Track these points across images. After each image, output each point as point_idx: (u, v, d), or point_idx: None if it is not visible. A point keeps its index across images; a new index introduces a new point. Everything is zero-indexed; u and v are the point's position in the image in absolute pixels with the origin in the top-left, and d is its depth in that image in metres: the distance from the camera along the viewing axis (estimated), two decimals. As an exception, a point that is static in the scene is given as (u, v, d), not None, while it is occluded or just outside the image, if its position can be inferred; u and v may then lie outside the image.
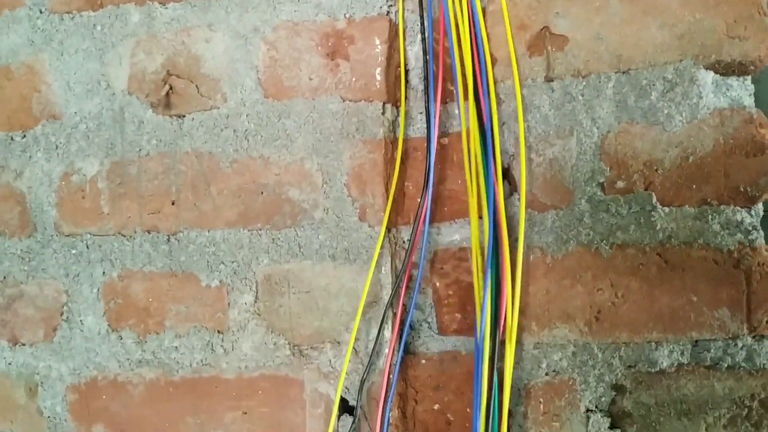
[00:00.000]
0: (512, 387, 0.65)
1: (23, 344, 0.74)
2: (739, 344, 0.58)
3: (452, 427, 0.67)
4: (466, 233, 0.67)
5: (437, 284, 0.67)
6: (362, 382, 0.64)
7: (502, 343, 0.60)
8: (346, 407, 0.67)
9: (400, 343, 0.66)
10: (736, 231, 0.58)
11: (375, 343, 0.65)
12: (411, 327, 0.67)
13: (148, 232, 0.70)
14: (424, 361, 0.68)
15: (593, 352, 0.61)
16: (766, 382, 0.58)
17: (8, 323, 0.73)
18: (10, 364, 0.74)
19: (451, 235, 0.67)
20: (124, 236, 0.70)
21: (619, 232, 0.60)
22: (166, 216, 0.69)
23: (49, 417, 0.73)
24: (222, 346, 0.68)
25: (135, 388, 0.71)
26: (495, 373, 0.59)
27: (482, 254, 0.62)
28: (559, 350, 0.62)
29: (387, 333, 0.65)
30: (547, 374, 0.62)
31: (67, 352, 0.72)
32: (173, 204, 0.69)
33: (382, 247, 0.65)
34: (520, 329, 0.61)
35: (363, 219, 0.65)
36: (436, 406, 0.68)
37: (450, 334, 0.68)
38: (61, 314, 0.72)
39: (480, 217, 0.62)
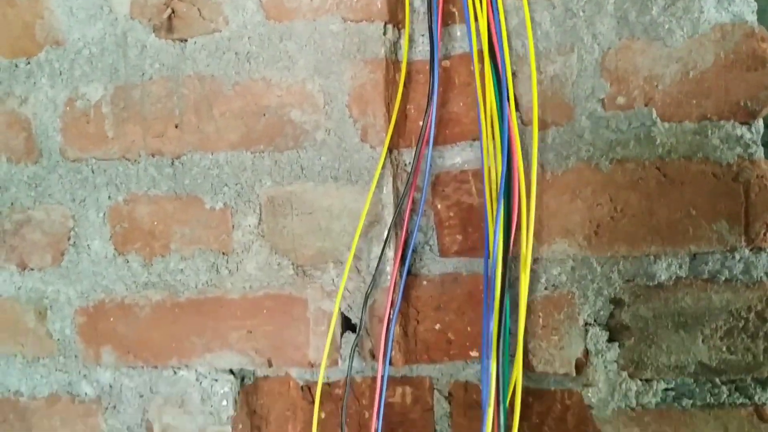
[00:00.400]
0: (512, 302, 0.66)
1: (32, 269, 0.75)
2: (737, 257, 0.59)
3: (453, 346, 0.69)
4: (467, 156, 0.67)
5: (439, 207, 0.68)
6: (365, 299, 0.66)
7: (514, 259, 0.61)
8: (349, 325, 0.69)
9: (403, 264, 0.67)
10: (736, 145, 0.59)
11: (378, 262, 0.66)
12: (413, 250, 0.68)
13: (152, 156, 0.70)
14: (425, 283, 0.69)
15: (592, 266, 0.62)
16: (763, 294, 0.59)
17: (16, 248, 0.75)
18: (19, 288, 0.76)
19: (452, 158, 0.68)
20: (129, 160, 0.71)
21: (619, 148, 0.61)
22: (170, 139, 0.70)
23: (58, 339, 0.75)
24: (227, 267, 0.70)
25: (141, 309, 0.72)
26: (507, 290, 0.60)
27: (489, 175, 0.62)
28: (558, 265, 0.63)
29: (389, 252, 0.66)
30: (546, 289, 0.63)
31: (74, 276, 0.74)
32: (176, 127, 0.70)
33: (383, 167, 0.65)
34: (520, 245, 0.62)
35: (365, 140, 0.66)
36: (437, 326, 0.69)
37: (451, 256, 0.69)
38: (68, 239, 0.74)
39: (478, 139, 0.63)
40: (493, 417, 0.59)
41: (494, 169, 0.62)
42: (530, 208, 0.59)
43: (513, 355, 0.61)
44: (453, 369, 0.72)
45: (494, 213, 0.61)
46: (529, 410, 0.69)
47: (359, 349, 0.68)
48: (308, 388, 0.76)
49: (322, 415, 0.75)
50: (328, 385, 0.75)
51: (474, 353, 0.69)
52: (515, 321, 0.63)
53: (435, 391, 0.73)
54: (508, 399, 0.60)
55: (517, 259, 0.61)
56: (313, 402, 0.73)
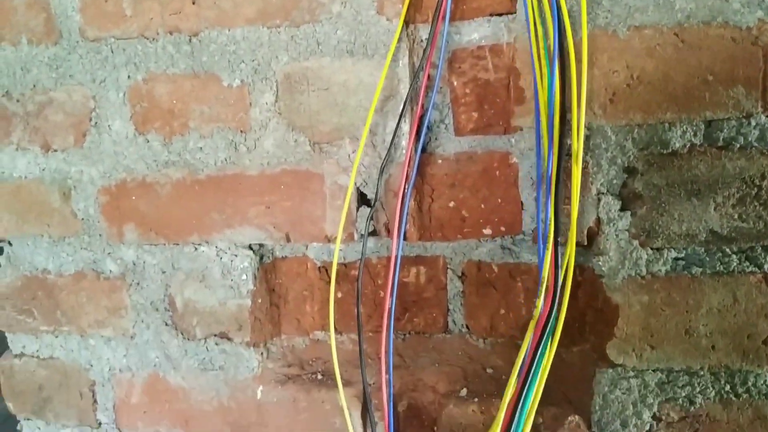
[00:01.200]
0: (527, 174, 0.67)
1: (55, 150, 0.77)
2: (753, 123, 0.60)
3: (466, 224, 0.71)
4: (484, 32, 0.68)
5: (455, 83, 0.69)
6: (380, 172, 0.67)
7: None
8: (364, 200, 0.70)
9: (418, 139, 0.68)
10: (757, 8, 0.58)
11: (393, 136, 0.67)
12: (428, 128, 0.69)
13: (170, 34, 0.71)
14: (440, 161, 0.70)
15: (607, 135, 0.62)
16: (777, 161, 0.59)
17: (40, 130, 0.77)
18: (43, 170, 0.78)
19: (469, 34, 0.68)
20: (147, 39, 0.72)
21: (638, 14, 0.61)
22: (187, 16, 0.71)
23: (82, 219, 0.78)
24: (245, 144, 0.71)
25: (162, 188, 0.74)
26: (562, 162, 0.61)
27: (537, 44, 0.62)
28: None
29: (405, 126, 0.67)
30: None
31: (96, 156, 0.76)
32: (193, 3, 0.70)
33: (399, 40, 0.66)
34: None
35: (381, 12, 0.66)
36: (451, 204, 0.71)
37: (467, 134, 0.70)
38: (90, 119, 0.75)
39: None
40: (544, 297, 0.61)
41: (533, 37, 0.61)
42: (582, 72, 0.59)
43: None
44: (466, 248, 0.74)
45: (544, 79, 0.61)
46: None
47: (374, 223, 0.70)
48: (325, 269, 0.78)
49: (339, 295, 0.78)
50: (344, 266, 0.77)
51: (487, 231, 0.71)
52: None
53: (448, 270, 0.76)
54: (561, 276, 0.61)
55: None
56: (329, 282, 0.75)
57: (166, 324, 0.77)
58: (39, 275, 0.80)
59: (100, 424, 0.82)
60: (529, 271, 0.73)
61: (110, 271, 0.78)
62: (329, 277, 0.77)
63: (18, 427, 0.86)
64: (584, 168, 0.63)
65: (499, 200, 0.70)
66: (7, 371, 0.84)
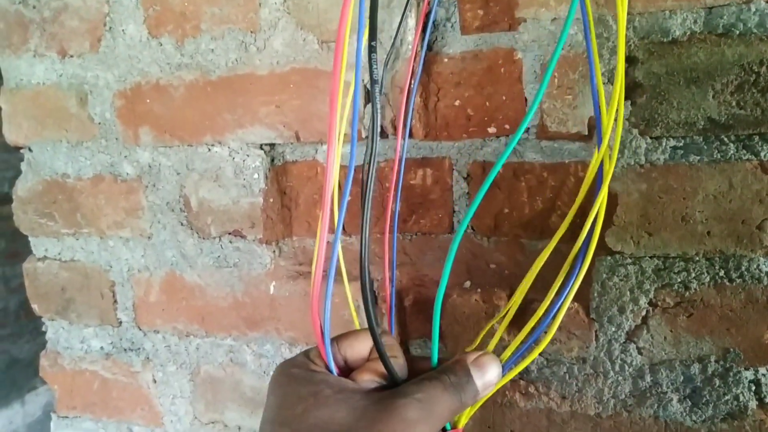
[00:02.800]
0: (531, 68, 0.70)
1: (71, 56, 0.81)
2: (753, 9, 0.61)
3: (471, 122, 0.73)
4: (490, -71, 0.69)
5: (460, -19, 0.71)
6: (385, 65, 0.70)
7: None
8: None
9: (424, 36, 0.70)
10: None
11: (398, 30, 0.69)
12: (434, 25, 0.72)
13: (181, -65, 0.74)
14: (446, 60, 0.73)
15: (608, 24, 0.64)
16: (776, 47, 0.61)
17: (56, 36, 0.80)
18: (60, 75, 0.81)
19: (475, -69, 0.69)
20: (159, -59, 0.75)
21: None
22: None
23: (99, 123, 0.81)
24: (255, 45, 0.74)
25: (176, 90, 0.78)
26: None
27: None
28: (573, 24, 0.65)
29: (411, 21, 0.70)
30: (562, 48, 0.66)
31: (111, 60, 0.79)
32: None
33: (405, -65, 0.68)
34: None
35: None
36: (456, 102, 0.73)
37: (472, 33, 0.72)
38: (104, 24, 0.78)
39: None
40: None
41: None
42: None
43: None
44: (471, 148, 0.77)
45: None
46: (543, 185, 0.74)
47: (381, 119, 0.73)
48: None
49: (348, 198, 0.81)
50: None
51: (492, 129, 0.73)
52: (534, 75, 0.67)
53: (454, 171, 0.78)
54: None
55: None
56: (339, 186, 0.79)
57: (182, 224, 0.81)
58: (59, 179, 0.85)
59: (120, 322, 0.86)
60: (532, 170, 0.76)
61: (127, 173, 0.82)
62: (339, 181, 0.80)
63: (43, 329, 0.91)
64: (585, 57, 0.65)
65: (504, 98, 0.72)
66: (31, 274, 0.89)
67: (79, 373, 0.89)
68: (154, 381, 0.86)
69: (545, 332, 0.59)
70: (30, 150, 0.86)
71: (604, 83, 0.65)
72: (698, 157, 0.64)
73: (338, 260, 0.69)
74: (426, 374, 0.49)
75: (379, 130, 0.64)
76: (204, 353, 0.83)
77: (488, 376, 0.49)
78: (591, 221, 0.58)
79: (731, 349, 0.65)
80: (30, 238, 0.89)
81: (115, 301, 0.86)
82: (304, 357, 0.49)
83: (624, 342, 0.68)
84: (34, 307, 0.90)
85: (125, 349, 0.87)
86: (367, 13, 0.45)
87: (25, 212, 0.87)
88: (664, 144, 0.65)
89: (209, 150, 0.78)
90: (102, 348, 0.88)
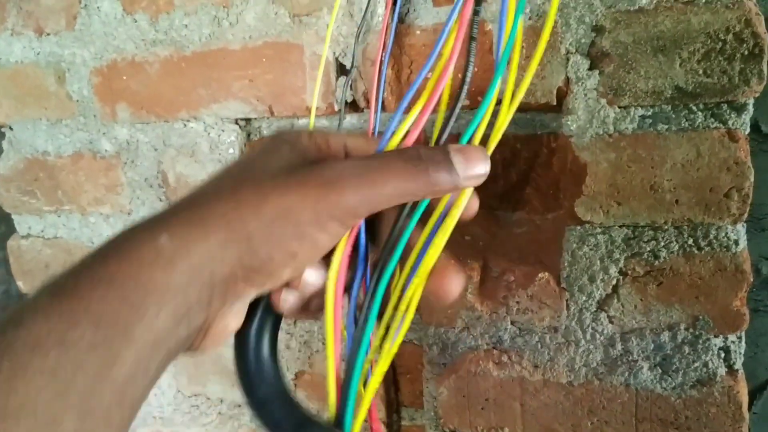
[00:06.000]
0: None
1: (48, 34, 0.82)
2: (718, -25, 0.62)
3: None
4: None
5: (431, -48, 0.71)
6: (356, 38, 0.71)
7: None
8: (344, 71, 0.75)
9: (395, 7, 0.71)
10: None
11: (368, 2, 0.70)
12: (406, -2, 0.73)
13: None
14: (418, 32, 0.74)
15: (575, -7, 0.65)
16: (742, 14, 0.62)
17: (33, 14, 0.81)
18: (38, 54, 0.83)
19: None
20: None
21: None
22: None
23: (77, 100, 0.83)
24: (227, 20, 0.75)
25: (151, 66, 0.79)
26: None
27: None
28: (542, -6, 0.66)
29: (380, -6, 0.71)
30: (530, 19, 0.67)
31: (87, 38, 0.80)
32: None
33: None
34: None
35: None
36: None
37: (444, 5, 0.73)
38: (80, 1, 0.80)
39: None
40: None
41: None
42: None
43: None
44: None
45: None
46: (517, 157, 0.75)
47: (353, 93, 0.74)
48: (311, 147, 0.83)
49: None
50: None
51: (465, 102, 0.74)
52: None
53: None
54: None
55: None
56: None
57: (161, 200, 0.83)
58: (39, 157, 0.86)
59: (103, 298, 0.89)
60: (506, 142, 0.77)
61: (106, 150, 0.83)
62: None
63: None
64: (552, 27, 0.66)
65: (476, 69, 0.73)
66: (15, 251, 0.91)
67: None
68: (138, 355, 0.88)
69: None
70: (11, 129, 0.88)
71: (572, 52, 0.66)
72: (666, 126, 0.65)
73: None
74: None
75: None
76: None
77: (473, 167, 0.39)
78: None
79: (700, 317, 0.66)
80: (13, 216, 0.91)
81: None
82: (306, 132, 0.42)
83: (595, 311, 0.70)
84: (20, 284, 0.92)
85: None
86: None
87: (7, 190, 0.89)
88: (632, 113, 0.66)
89: (185, 126, 0.80)
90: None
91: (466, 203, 0.43)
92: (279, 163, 0.38)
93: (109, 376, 0.29)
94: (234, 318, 0.39)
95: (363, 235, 0.43)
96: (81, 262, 0.33)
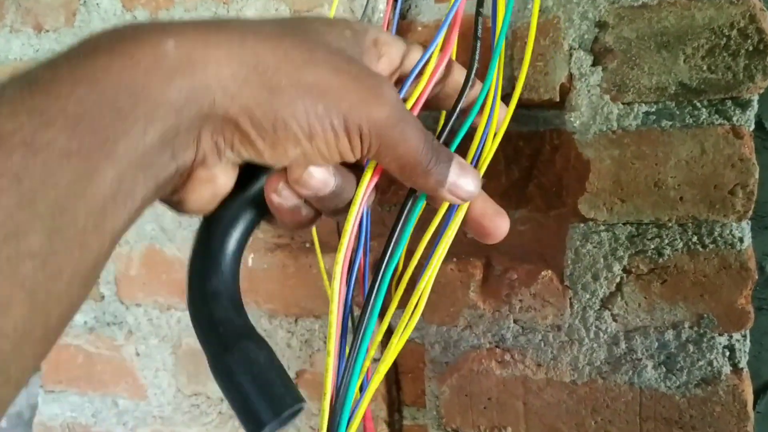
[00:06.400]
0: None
1: (47, 31, 0.81)
2: (723, -30, 0.61)
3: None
4: None
5: (433, -51, 0.71)
6: (358, 34, 0.70)
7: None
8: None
9: (396, 4, 0.71)
10: None
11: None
12: (408, -6, 0.72)
13: None
14: (420, 29, 0.73)
15: (578, -11, 0.64)
16: (746, 9, 0.61)
17: (31, 11, 0.81)
18: (37, 51, 0.83)
19: None
20: None
21: None
22: None
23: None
24: (227, 15, 0.75)
25: (151, 63, 0.78)
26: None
27: None
28: (545, -11, 0.66)
29: (382, -11, 0.70)
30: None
31: (87, 34, 0.80)
32: None
33: None
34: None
35: None
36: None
37: (445, 1, 0.72)
38: (79, -2, 0.79)
39: None
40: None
41: None
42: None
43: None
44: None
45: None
46: (519, 154, 0.75)
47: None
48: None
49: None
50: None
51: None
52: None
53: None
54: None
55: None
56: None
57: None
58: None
59: (103, 297, 0.88)
60: (508, 139, 0.76)
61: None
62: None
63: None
64: (556, 23, 0.66)
65: (478, 66, 0.72)
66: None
67: (63, 348, 0.91)
68: (137, 354, 0.88)
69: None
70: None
71: (575, 48, 0.66)
72: (670, 123, 0.65)
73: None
74: None
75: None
76: (185, 326, 0.85)
77: (464, 180, 0.38)
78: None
79: (705, 315, 0.66)
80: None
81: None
82: (374, 34, 0.39)
83: (598, 309, 0.69)
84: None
85: (108, 323, 0.89)
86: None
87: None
88: (636, 109, 0.66)
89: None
90: (85, 322, 0.90)
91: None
92: (339, 42, 0.34)
93: (85, 193, 0.25)
94: (221, 174, 0.33)
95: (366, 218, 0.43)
96: (63, 54, 0.28)
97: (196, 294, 0.35)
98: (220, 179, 0.33)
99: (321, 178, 0.34)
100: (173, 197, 0.33)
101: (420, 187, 0.38)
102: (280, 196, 0.35)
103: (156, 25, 0.29)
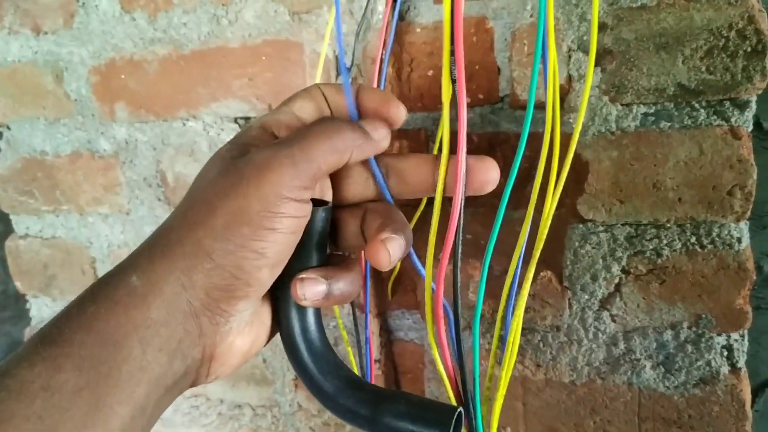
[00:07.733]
0: (502, 35, 0.70)
1: (45, 32, 0.81)
2: (721, -28, 0.61)
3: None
4: None
5: (431, -50, 0.71)
6: (356, 36, 0.71)
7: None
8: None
9: (395, 5, 0.71)
10: None
11: (368, 0, 0.70)
12: (406, -5, 0.72)
13: None
14: (419, 30, 0.73)
15: (577, -10, 0.65)
16: (745, 11, 0.61)
17: (30, 12, 0.81)
18: (36, 53, 0.83)
19: None
20: None
21: None
22: None
23: (75, 99, 0.82)
24: (226, 17, 0.75)
25: (150, 65, 0.79)
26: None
27: None
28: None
29: (380, -9, 0.70)
30: (531, 16, 0.67)
31: (86, 36, 0.80)
32: None
33: None
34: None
35: None
36: (430, 72, 0.74)
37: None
38: (77, 0, 0.79)
39: None
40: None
41: None
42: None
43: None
44: (447, 119, 0.78)
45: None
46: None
47: (354, 91, 0.74)
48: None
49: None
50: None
51: (466, 99, 0.74)
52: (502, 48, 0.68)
53: (430, 142, 0.80)
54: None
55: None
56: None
57: (159, 199, 0.82)
58: (37, 157, 0.86)
59: (102, 298, 0.88)
60: (507, 140, 0.77)
61: (104, 149, 0.83)
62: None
63: (27, 306, 0.93)
64: (555, 25, 0.66)
65: (477, 67, 0.73)
66: (13, 252, 0.91)
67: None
68: (137, 356, 0.88)
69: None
70: (8, 128, 0.87)
71: (573, 50, 0.66)
72: (669, 124, 0.65)
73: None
74: None
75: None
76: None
77: (378, 126, 0.42)
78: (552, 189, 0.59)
79: (703, 315, 0.66)
80: (11, 216, 0.91)
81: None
82: (258, 123, 0.42)
83: (597, 310, 0.69)
84: (17, 284, 0.92)
85: (108, 325, 0.89)
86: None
87: (5, 190, 0.89)
88: (634, 111, 0.66)
89: (184, 125, 0.79)
90: (85, 324, 0.90)
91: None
92: (216, 168, 0.38)
93: (99, 419, 0.30)
94: (239, 336, 0.38)
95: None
96: (64, 311, 0.33)
97: (323, 403, 0.41)
98: (238, 340, 0.38)
99: (313, 294, 0.39)
100: (199, 383, 0.38)
101: (365, 152, 0.41)
102: (308, 301, 0.39)
103: (121, 267, 0.34)
